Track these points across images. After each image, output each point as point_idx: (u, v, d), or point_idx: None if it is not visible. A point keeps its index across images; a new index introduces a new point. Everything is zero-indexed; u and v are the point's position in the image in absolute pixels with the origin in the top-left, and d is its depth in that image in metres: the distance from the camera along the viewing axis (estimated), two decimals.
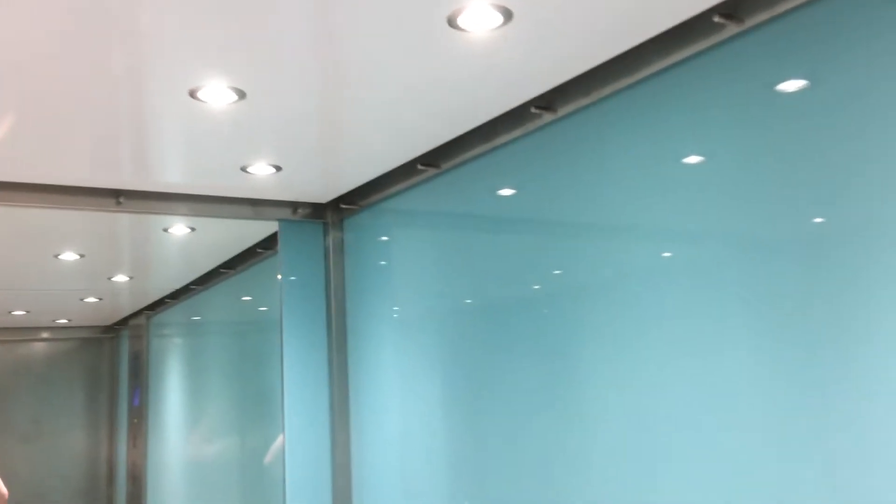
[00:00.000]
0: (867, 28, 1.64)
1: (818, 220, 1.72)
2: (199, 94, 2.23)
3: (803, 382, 1.68)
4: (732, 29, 1.84)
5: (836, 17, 1.69)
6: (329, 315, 3.51)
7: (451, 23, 1.88)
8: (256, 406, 4.34)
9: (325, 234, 3.56)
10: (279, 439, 3.50)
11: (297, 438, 3.37)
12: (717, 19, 1.82)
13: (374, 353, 3.36)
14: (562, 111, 2.34)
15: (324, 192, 3.40)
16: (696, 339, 1.94)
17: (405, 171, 3.03)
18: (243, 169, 2.94)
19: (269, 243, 3.83)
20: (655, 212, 2.11)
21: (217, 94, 2.24)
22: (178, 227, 3.69)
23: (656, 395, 2.03)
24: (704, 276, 1.93)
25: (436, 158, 2.88)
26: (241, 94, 2.25)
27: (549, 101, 2.35)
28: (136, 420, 6.36)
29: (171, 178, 3.06)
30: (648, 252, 2.13)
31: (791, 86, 1.80)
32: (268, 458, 3.87)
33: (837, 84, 1.68)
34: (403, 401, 3.16)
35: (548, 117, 2.38)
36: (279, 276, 3.52)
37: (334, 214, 3.54)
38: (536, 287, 2.57)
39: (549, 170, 2.51)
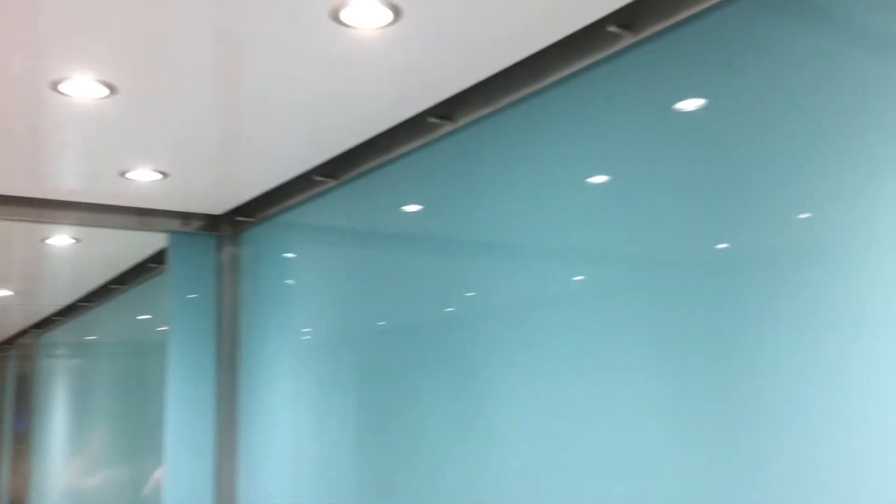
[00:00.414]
0: (762, 43, 1.59)
1: (721, 244, 1.68)
2: (61, 87, 2.02)
3: (706, 403, 1.64)
4: (628, 39, 1.76)
5: (730, 32, 1.64)
6: (220, 336, 3.29)
7: (335, 17, 1.74)
8: (142, 433, 4.05)
9: (220, 248, 3.35)
10: (160, 469, 3.24)
11: (177, 468, 3.12)
12: (612, 29, 1.74)
13: (270, 378, 3.15)
14: (461, 121, 2.22)
15: (217, 203, 3.20)
16: (602, 361, 1.88)
17: (303, 183, 2.86)
18: (122, 174, 2.71)
19: (161, 258, 3.58)
20: (561, 231, 2.04)
21: (83, 88, 2.04)
22: (60, 238, 3.41)
23: (566, 416, 1.97)
24: (611, 298, 1.88)
25: (334, 169, 2.72)
26: (112, 89, 2.05)
27: (447, 110, 2.23)
28: (19, 446, 5.91)
29: (46, 183, 2.80)
30: (555, 271, 2.06)
31: (689, 104, 1.76)
32: (147, 490, 3.58)
33: (734, 103, 1.65)
34: (302, 428, 2.97)
35: (448, 127, 2.26)
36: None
37: (229, 227, 3.33)
38: (446, 308, 2.47)
39: (454, 184, 2.40)
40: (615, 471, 1.80)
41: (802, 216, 1.52)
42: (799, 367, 1.46)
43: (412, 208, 2.63)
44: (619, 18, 1.74)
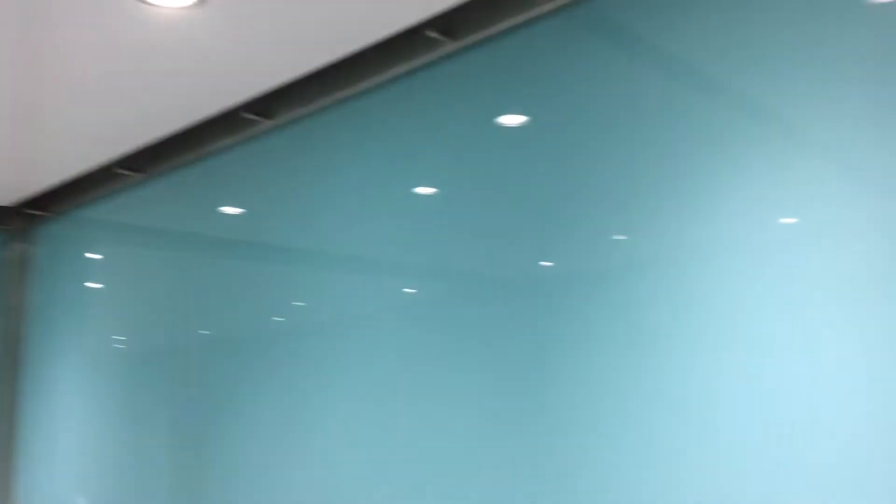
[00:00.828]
0: (580, 62, 1.59)
1: (544, 262, 1.68)
2: None
3: (526, 416, 1.63)
4: (448, 45, 1.71)
5: (550, 48, 1.63)
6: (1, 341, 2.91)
7: None
8: None
9: (6, 243, 2.97)
10: None
11: None
12: (431, 34, 1.68)
13: (62, 390, 2.83)
14: (281, 119, 2.07)
15: (6, 192, 2.83)
16: (429, 375, 1.85)
17: (106, 175, 2.58)
18: None
19: None
20: (390, 242, 1.97)
21: None
22: None
23: (392, 429, 1.91)
24: (440, 311, 1.85)
25: (142, 162, 2.47)
26: None
27: (265, 106, 2.07)
28: None
29: None
30: (384, 283, 2.00)
31: (512, 119, 1.73)
32: None
33: (555, 119, 1.64)
34: (104, 442, 2.68)
35: (266, 125, 2.10)
36: None
37: (19, 221, 2.95)
38: (273, 317, 2.32)
39: (277, 186, 2.24)
40: (437, 479, 1.76)
41: (618, 237, 1.52)
42: (612, 378, 1.46)
43: (232, 210, 2.44)
44: (439, 24, 1.69)
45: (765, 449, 1.22)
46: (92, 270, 2.91)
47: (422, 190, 1.94)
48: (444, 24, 1.69)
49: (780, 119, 1.33)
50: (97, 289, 2.88)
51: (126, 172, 2.50)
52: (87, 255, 2.93)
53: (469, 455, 1.70)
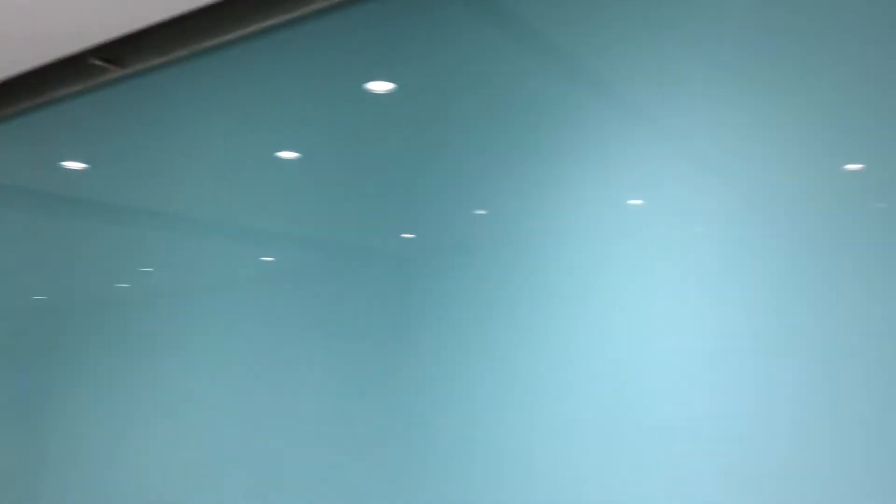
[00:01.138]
0: (449, 35, 1.57)
1: (405, 234, 1.65)
2: None
3: (384, 382, 1.65)
4: (317, 3, 1.63)
5: (418, 16, 1.60)
6: None
7: None
8: None
9: None
10: None
11: None
12: None
13: None
14: (132, 66, 1.92)
15: None
16: (286, 345, 1.79)
17: None
18: None
19: None
20: (249, 208, 1.88)
21: None
22: None
23: (245, 399, 1.84)
24: (298, 280, 1.81)
25: None
26: None
27: (115, 52, 1.91)
28: None
29: None
30: (242, 250, 1.89)
31: (379, 86, 1.69)
32: None
33: (422, 91, 1.62)
34: None
35: (114, 73, 1.94)
36: None
37: None
38: (117, 283, 2.16)
39: (125, 141, 2.09)
40: (294, 444, 1.72)
41: (478, 211, 1.53)
42: (466, 350, 1.47)
43: (75, 165, 2.26)
44: None
45: (613, 411, 1.27)
46: None
47: (284, 154, 1.87)
48: None
49: (632, 106, 1.37)
50: None
51: None
52: None
53: (324, 420, 1.68)
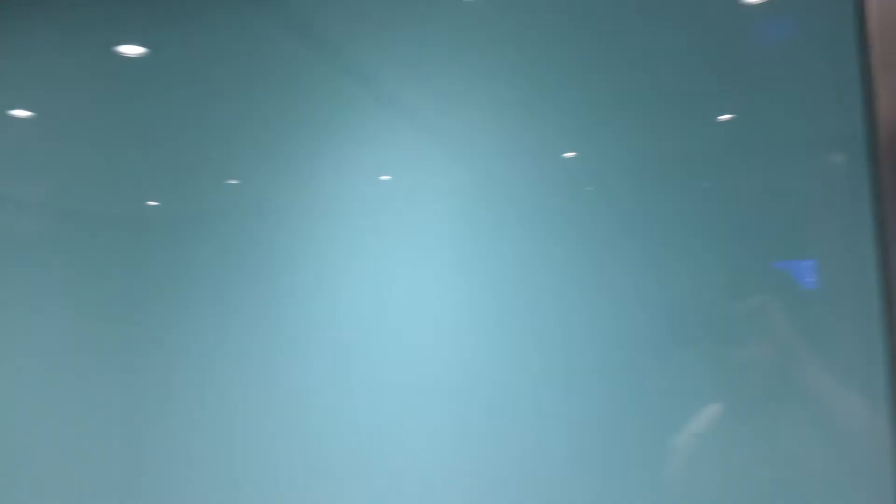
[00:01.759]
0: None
1: (152, 202, 1.62)
2: None
3: (128, 357, 1.59)
4: None
5: None
6: None
7: None
8: None
9: None
10: None
11: None
12: None
13: None
14: None
15: None
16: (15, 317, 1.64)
17: None
18: None
19: None
20: None
21: None
22: None
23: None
24: (33, 248, 1.70)
25: None
26: None
27: None
28: None
29: None
30: None
31: (131, 50, 1.64)
32: None
33: (177, 55, 1.60)
34: None
35: None
36: None
37: None
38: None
39: None
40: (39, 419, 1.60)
41: (230, 181, 1.54)
42: (217, 329, 1.49)
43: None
44: None
45: (378, 384, 1.36)
46: None
47: (17, 112, 1.75)
48: None
49: (384, 87, 1.47)
50: None
51: None
52: None
53: (64, 398, 1.61)
